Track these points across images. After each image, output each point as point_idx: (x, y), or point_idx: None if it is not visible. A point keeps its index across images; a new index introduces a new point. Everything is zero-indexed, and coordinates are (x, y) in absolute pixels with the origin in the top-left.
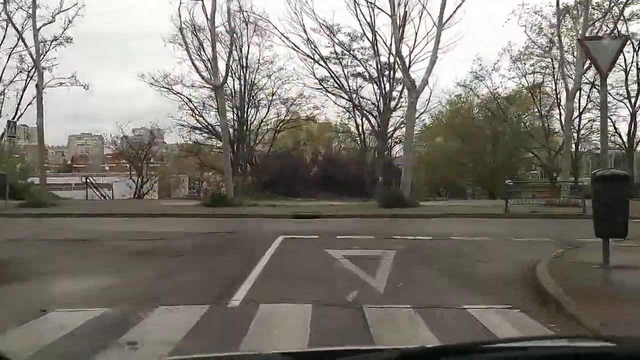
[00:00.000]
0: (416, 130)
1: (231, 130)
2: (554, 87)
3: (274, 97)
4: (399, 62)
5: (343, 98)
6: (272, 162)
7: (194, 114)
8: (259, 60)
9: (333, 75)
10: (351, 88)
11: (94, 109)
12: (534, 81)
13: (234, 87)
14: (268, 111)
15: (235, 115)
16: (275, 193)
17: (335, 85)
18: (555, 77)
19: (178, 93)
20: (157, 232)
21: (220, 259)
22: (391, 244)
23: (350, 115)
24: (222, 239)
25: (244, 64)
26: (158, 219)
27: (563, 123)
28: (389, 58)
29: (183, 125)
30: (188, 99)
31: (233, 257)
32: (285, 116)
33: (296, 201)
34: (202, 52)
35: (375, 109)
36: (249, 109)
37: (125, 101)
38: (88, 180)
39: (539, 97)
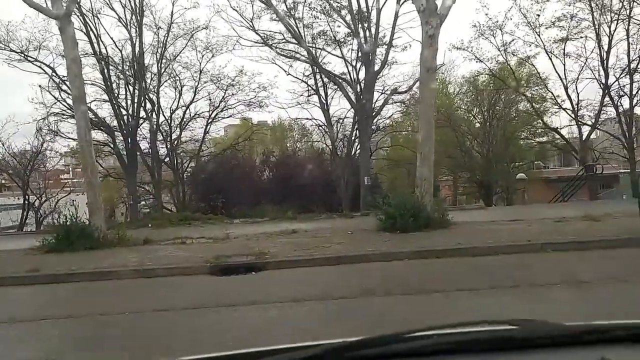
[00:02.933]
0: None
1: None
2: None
3: (202, 73)
4: None
5: (301, 59)
6: (207, 165)
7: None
8: (171, 15)
9: (290, 29)
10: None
11: None
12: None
13: (134, 51)
14: (195, 94)
15: (132, 94)
16: (211, 206)
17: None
18: (597, 25)
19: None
20: None
21: None
22: None
23: (311, 91)
24: None
25: (141, 17)
26: None
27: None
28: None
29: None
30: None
31: None
32: (220, 101)
33: (235, 223)
34: None
35: (352, 74)
36: (156, 89)
37: None
38: None
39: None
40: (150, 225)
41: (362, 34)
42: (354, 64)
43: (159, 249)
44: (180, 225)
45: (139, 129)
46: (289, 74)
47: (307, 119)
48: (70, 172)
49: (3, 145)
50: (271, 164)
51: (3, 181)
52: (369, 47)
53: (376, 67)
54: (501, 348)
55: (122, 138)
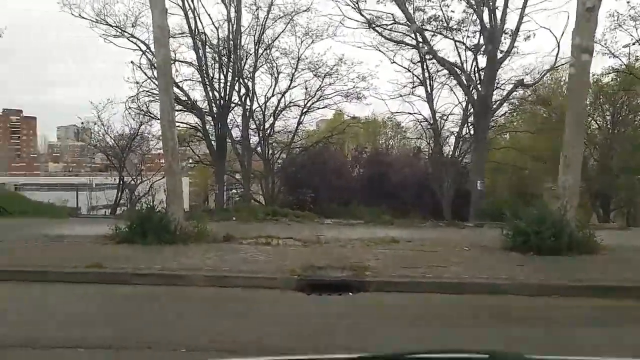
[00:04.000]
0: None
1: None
2: None
3: (300, 60)
4: None
5: (410, 44)
6: (297, 158)
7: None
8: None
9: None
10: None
11: None
12: None
13: (230, 32)
14: (291, 82)
15: (225, 77)
16: (300, 201)
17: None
18: None
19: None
20: None
21: None
22: None
23: (417, 82)
24: None
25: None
26: None
27: None
28: None
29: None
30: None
31: None
32: (317, 91)
33: (327, 223)
34: None
35: (466, 64)
36: (251, 74)
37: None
38: None
39: None
40: (234, 218)
41: (486, 17)
42: (468, 52)
43: (239, 249)
44: (267, 221)
45: (230, 115)
46: (394, 61)
47: (408, 113)
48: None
49: (104, 125)
50: (363, 160)
51: (102, 161)
52: (493, 31)
53: (498, 56)
54: None
55: (212, 123)
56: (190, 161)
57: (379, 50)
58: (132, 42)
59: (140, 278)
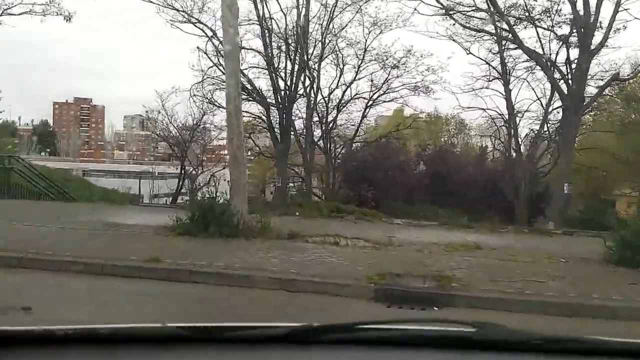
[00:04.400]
0: None
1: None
2: None
3: (367, 51)
4: None
5: (490, 32)
6: (359, 152)
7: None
8: None
9: None
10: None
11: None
12: None
13: (299, 20)
14: (357, 74)
15: (292, 66)
16: (360, 197)
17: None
18: None
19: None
20: None
21: None
22: None
23: (493, 75)
24: None
25: None
26: None
27: None
28: None
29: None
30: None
31: None
32: (383, 83)
33: (396, 223)
34: None
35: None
36: (317, 64)
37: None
38: None
39: None
40: (297, 213)
41: (579, 5)
42: (554, 44)
43: (306, 248)
44: (331, 218)
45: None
46: (470, 52)
47: (480, 108)
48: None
49: (168, 115)
50: (426, 157)
51: (164, 150)
52: (587, 20)
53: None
54: (458, 347)
55: (276, 113)
56: (249, 153)
57: (453, 40)
58: (198, 27)
59: (200, 276)
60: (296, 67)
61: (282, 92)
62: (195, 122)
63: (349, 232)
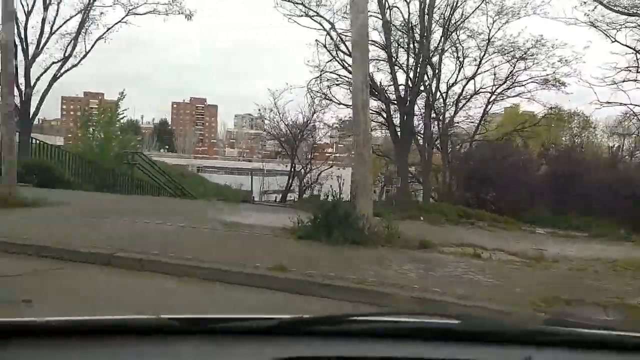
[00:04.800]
0: None
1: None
2: None
3: (490, 42)
4: None
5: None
6: (477, 152)
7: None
8: None
9: None
10: None
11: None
12: None
13: (422, 10)
14: (479, 67)
15: (415, 60)
16: (479, 200)
17: None
18: None
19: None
20: None
21: None
22: None
23: None
24: None
25: None
26: None
27: None
28: None
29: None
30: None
31: None
32: (507, 77)
33: (538, 232)
34: None
35: None
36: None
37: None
38: None
39: None
40: (421, 218)
41: None
42: None
43: (443, 261)
44: (459, 224)
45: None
46: (615, 40)
47: (622, 104)
48: (334, 147)
49: (279, 112)
50: (550, 157)
51: (273, 148)
52: None
53: None
54: (443, 339)
55: (396, 109)
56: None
57: (595, 27)
58: (316, 21)
59: (332, 291)
60: (420, 60)
61: (403, 87)
62: (305, 120)
63: (487, 242)
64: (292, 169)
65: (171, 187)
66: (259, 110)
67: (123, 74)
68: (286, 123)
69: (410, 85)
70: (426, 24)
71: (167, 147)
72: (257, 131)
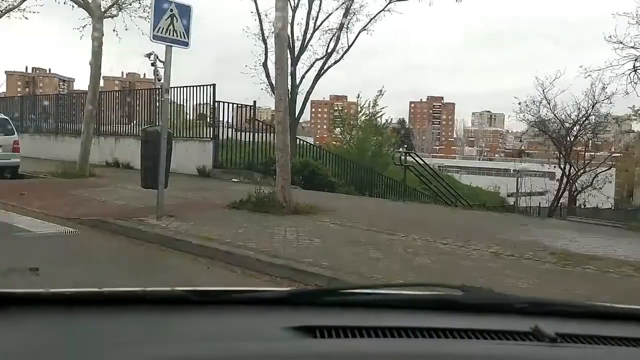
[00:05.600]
0: None
1: None
2: None
3: None
4: None
5: None
6: None
7: None
8: None
9: None
10: None
11: None
12: None
13: None
14: None
15: None
16: None
17: None
18: None
19: None
20: None
21: None
22: None
23: None
24: None
25: None
26: None
27: None
28: None
29: None
30: None
31: None
32: None
33: None
34: None
35: None
36: None
37: None
38: None
39: None
40: None
41: None
42: None
43: None
44: None
45: None
46: None
47: None
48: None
49: (549, 104)
50: None
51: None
52: None
53: None
54: (446, 309)
55: None
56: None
57: None
58: None
59: None
60: None
61: None
62: (584, 113)
63: None
64: (568, 172)
65: (443, 192)
66: (519, 103)
67: (362, 79)
68: (559, 118)
69: None
70: None
71: (405, 146)
72: (496, 128)
